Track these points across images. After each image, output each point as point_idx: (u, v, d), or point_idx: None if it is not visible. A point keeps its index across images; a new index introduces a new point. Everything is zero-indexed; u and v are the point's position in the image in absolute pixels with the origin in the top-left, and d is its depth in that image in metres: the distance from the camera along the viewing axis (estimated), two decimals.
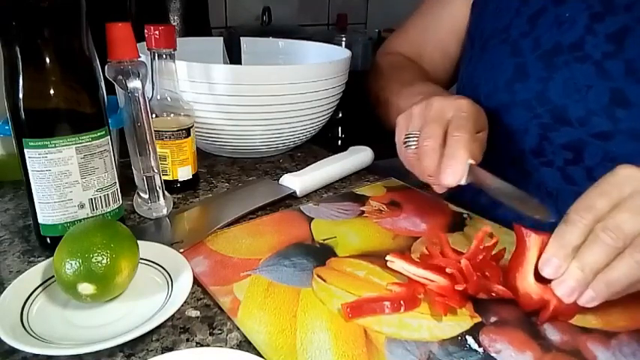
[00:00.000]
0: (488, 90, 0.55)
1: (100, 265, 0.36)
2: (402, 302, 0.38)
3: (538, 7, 0.53)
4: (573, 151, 0.49)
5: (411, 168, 0.50)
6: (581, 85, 0.48)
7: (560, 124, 0.50)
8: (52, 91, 0.41)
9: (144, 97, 0.48)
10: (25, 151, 0.41)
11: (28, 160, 0.42)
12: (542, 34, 0.52)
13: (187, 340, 0.36)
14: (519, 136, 0.53)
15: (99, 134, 0.44)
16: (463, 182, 0.44)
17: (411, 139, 0.48)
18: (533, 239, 0.39)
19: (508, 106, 0.53)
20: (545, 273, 0.37)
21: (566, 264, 0.36)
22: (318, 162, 0.64)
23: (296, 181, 0.59)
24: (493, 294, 0.40)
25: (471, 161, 0.44)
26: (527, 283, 0.38)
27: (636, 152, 0.46)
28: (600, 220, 0.36)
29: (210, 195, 0.60)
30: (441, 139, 0.45)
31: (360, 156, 0.67)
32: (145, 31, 0.53)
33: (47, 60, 0.40)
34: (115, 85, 0.48)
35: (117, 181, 0.47)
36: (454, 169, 0.43)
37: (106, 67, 0.47)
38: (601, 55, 0.48)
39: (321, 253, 0.46)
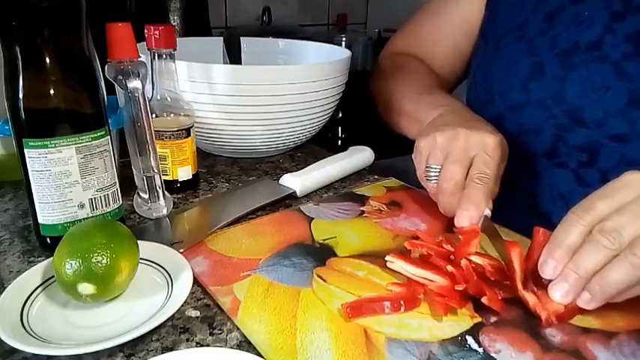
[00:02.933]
0: (503, 89, 0.54)
1: (100, 265, 0.36)
2: (402, 302, 0.38)
3: (556, 5, 0.52)
4: (588, 152, 0.48)
5: (431, 197, 0.50)
6: (599, 86, 0.47)
7: (575, 125, 0.49)
8: (52, 91, 0.41)
9: (144, 97, 0.48)
10: (25, 151, 0.41)
11: (28, 160, 0.42)
12: (560, 33, 0.51)
13: (187, 340, 0.36)
14: (533, 136, 0.52)
15: (99, 134, 0.44)
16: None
17: (431, 172, 0.48)
18: (516, 253, 0.40)
19: (523, 106, 0.52)
20: (545, 274, 0.37)
21: (562, 264, 0.36)
22: (318, 162, 0.64)
23: (296, 181, 0.59)
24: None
25: (488, 212, 0.44)
26: (521, 291, 0.38)
27: None
28: (599, 222, 0.35)
29: (210, 195, 0.60)
30: (462, 182, 0.45)
31: (360, 156, 0.67)
32: (145, 31, 0.53)
33: (47, 60, 0.40)
34: (115, 85, 0.48)
35: (117, 181, 0.47)
36: (471, 214, 0.44)
37: (106, 67, 0.47)
38: (620, 56, 0.47)
39: (321, 253, 0.46)
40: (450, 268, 0.40)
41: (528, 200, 0.54)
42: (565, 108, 0.49)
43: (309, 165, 0.63)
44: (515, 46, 0.55)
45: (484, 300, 0.38)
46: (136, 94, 0.47)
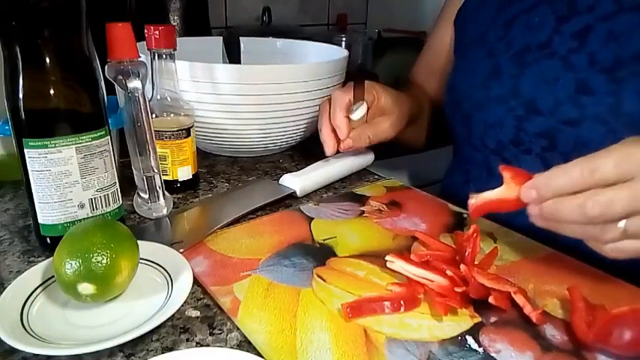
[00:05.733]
0: (467, 89, 0.60)
1: (100, 265, 0.36)
2: (402, 302, 0.38)
3: (511, 15, 0.59)
4: (547, 138, 0.53)
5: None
6: (550, 78, 0.52)
7: (532, 115, 0.54)
8: (52, 91, 0.41)
9: (144, 97, 0.48)
10: (25, 151, 0.41)
11: (28, 160, 0.42)
12: (515, 37, 0.57)
13: (187, 340, 0.36)
14: (497, 128, 0.57)
15: (99, 134, 0.44)
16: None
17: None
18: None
19: (485, 102, 0.58)
20: (523, 196, 0.38)
21: (540, 199, 0.37)
22: (318, 162, 0.64)
23: (296, 181, 0.59)
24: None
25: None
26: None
27: (604, 136, 0.48)
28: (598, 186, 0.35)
29: (210, 195, 0.60)
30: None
31: (360, 156, 0.67)
32: (145, 31, 0.53)
33: (47, 60, 0.40)
34: (115, 85, 0.48)
35: (117, 181, 0.47)
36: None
37: (106, 67, 0.47)
38: (567, 51, 0.52)
39: (321, 253, 0.46)
40: (449, 272, 0.40)
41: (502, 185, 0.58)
42: (522, 100, 0.54)
43: (309, 165, 0.63)
44: (476, 53, 0.62)
45: (491, 300, 0.38)
46: (136, 94, 0.47)
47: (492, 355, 0.34)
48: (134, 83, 0.47)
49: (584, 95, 0.50)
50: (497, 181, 0.54)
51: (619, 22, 0.49)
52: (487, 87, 0.57)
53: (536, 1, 0.57)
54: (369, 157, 0.69)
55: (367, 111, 0.62)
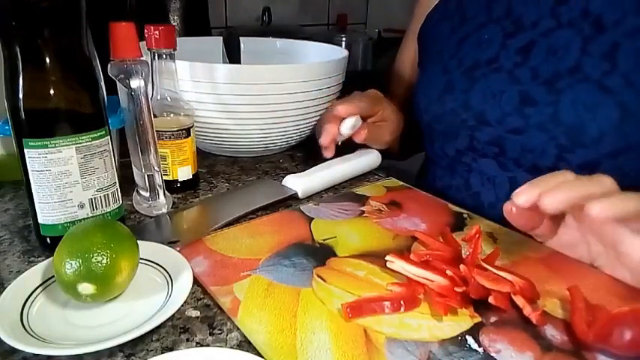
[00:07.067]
0: (425, 104, 0.65)
1: (100, 265, 0.36)
2: (402, 302, 0.38)
3: (463, 34, 0.63)
4: (497, 145, 0.57)
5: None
6: (497, 91, 0.56)
7: (482, 125, 0.57)
8: (52, 91, 0.41)
9: (146, 96, 0.48)
10: (25, 151, 0.41)
11: (28, 160, 0.42)
12: (466, 54, 0.61)
13: (187, 340, 0.36)
14: (453, 138, 0.62)
15: (99, 134, 0.44)
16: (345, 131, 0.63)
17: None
18: None
19: (441, 115, 0.62)
20: (517, 197, 0.40)
21: (533, 197, 0.39)
22: (323, 164, 0.63)
23: (298, 183, 0.58)
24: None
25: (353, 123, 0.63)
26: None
27: (545, 142, 0.52)
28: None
29: (210, 195, 0.60)
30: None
31: (366, 159, 0.67)
32: (145, 31, 0.53)
33: (47, 60, 0.40)
34: (117, 84, 0.48)
35: (117, 181, 0.47)
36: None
37: (109, 65, 0.47)
38: (512, 65, 0.56)
39: (321, 253, 0.46)
40: (449, 272, 0.40)
41: (464, 183, 0.63)
42: (472, 113, 0.58)
43: (309, 165, 0.63)
44: (433, 69, 0.65)
45: (491, 300, 0.38)
46: (139, 93, 0.47)
47: (492, 355, 0.34)
48: (137, 82, 0.47)
49: (527, 106, 0.53)
50: (458, 179, 0.63)
51: (557, 37, 0.53)
52: (442, 101, 0.61)
53: (487, 19, 0.60)
54: (376, 160, 0.68)
55: (365, 121, 0.66)
